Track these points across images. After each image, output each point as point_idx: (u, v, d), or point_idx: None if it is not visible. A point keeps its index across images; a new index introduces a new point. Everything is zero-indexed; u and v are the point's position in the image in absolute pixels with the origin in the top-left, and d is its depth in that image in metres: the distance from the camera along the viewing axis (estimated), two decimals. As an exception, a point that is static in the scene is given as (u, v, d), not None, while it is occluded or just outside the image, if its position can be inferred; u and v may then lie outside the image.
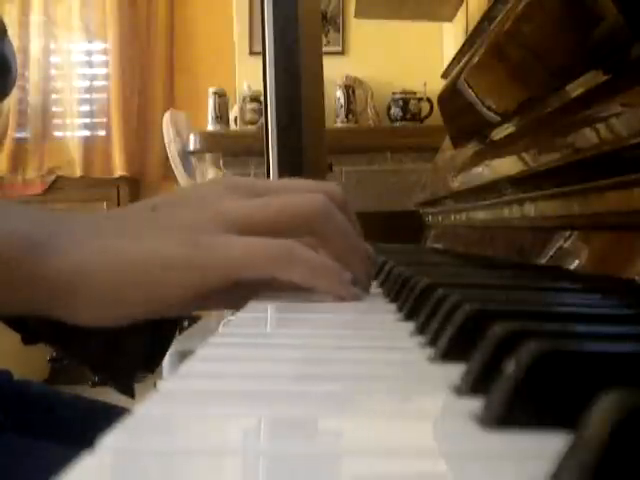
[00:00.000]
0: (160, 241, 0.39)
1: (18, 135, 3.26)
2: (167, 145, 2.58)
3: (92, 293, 0.38)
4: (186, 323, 2.62)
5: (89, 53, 3.33)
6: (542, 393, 0.18)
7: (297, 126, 1.18)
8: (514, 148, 0.65)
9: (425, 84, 2.40)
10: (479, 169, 0.76)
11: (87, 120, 3.30)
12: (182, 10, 3.25)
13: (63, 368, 3.07)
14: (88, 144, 3.28)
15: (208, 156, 2.48)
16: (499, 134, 0.75)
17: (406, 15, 1.93)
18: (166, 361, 1.56)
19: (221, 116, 2.52)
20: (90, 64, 3.33)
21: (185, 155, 2.50)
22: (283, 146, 1.18)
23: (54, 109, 3.29)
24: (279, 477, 0.16)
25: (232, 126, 2.54)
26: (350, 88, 2.48)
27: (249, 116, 2.45)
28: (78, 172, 3.24)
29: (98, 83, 3.31)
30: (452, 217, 0.97)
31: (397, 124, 2.49)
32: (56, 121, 3.30)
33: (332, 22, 2.65)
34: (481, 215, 0.80)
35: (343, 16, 2.66)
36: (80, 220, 0.42)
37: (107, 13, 3.23)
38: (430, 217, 1.14)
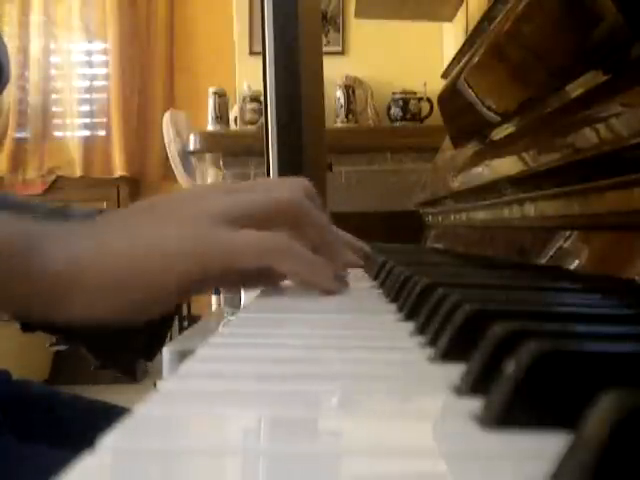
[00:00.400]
0: (158, 231, 0.40)
1: (18, 135, 3.27)
2: (167, 145, 2.58)
3: (90, 285, 0.38)
4: (186, 323, 2.62)
5: (89, 53, 3.33)
6: (542, 393, 0.18)
7: (297, 124, 1.18)
8: (514, 148, 0.65)
9: (425, 84, 2.40)
10: (479, 169, 0.76)
11: (87, 120, 3.30)
12: (182, 10, 3.25)
13: (63, 368, 3.07)
14: (88, 144, 3.28)
15: (208, 156, 2.48)
16: (499, 134, 0.75)
17: (406, 15, 1.93)
18: (166, 361, 1.55)
19: (221, 116, 2.52)
20: (90, 64, 3.33)
21: (185, 155, 2.50)
22: (283, 144, 1.18)
23: (54, 109, 3.29)
24: (279, 477, 0.16)
25: (232, 126, 2.54)
26: (350, 88, 2.48)
27: (249, 116, 2.44)
28: (78, 172, 3.24)
29: (98, 83, 3.31)
30: (452, 217, 0.97)
31: (397, 124, 2.49)
32: (56, 121, 3.30)
33: (332, 22, 2.65)
34: (481, 215, 0.80)
35: (343, 16, 2.66)
36: (76, 222, 0.43)
37: (107, 13, 3.23)
38: (430, 217, 1.14)
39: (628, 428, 0.13)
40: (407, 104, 2.47)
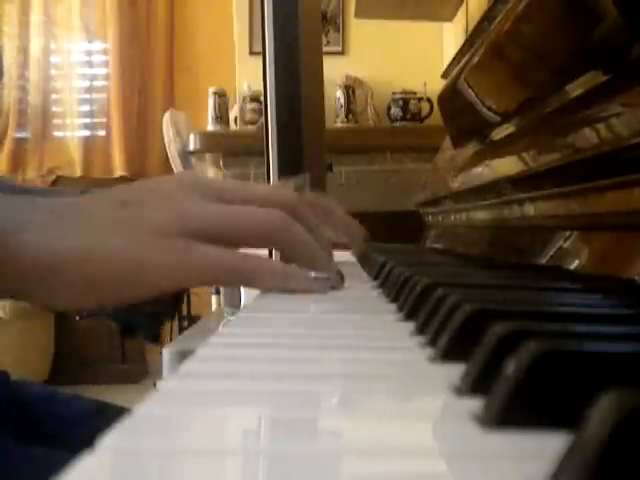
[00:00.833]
0: (129, 242, 0.41)
1: (18, 135, 3.27)
2: (167, 145, 2.58)
3: (65, 286, 0.40)
4: (186, 323, 2.62)
5: (89, 53, 3.33)
6: (542, 393, 0.18)
7: (297, 124, 1.18)
8: (514, 148, 0.65)
9: (425, 84, 2.40)
10: (479, 169, 0.76)
11: (87, 120, 3.30)
12: (182, 10, 3.25)
13: (63, 368, 3.07)
14: (88, 144, 3.28)
15: (208, 156, 2.49)
16: (499, 134, 0.75)
17: (406, 15, 1.93)
18: (166, 361, 1.56)
19: (221, 116, 2.52)
20: (90, 64, 3.33)
21: (185, 155, 2.50)
22: (283, 144, 1.18)
23: (54, 109, 3.29)
24: (279, 477, 0.16)
25: (232, 126, 2.54)
26: (350, 88, 2.48)
27: (249, 116, 2.45)
28: (78, 172, 3.24)
29: (98, 83, 3.31)
30: (452, 217, 0.97)
31: (397, 124, 2.49)
32: (56, 121, 3.30)
33: (332, 22, 2.65)
34: (481, 215, 0.80)
35: (343, 16, 2.66)
36: (54, 209, 0.42)
37: (107, 13, 3.23)
38: (430, 217, 1.14)
39: (628, 428, 0.13)
40: (407, 104, 2.47)
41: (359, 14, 2.04)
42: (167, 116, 2.60)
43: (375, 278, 0.58)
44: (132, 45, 3.25)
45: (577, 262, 0.48)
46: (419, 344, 0.30)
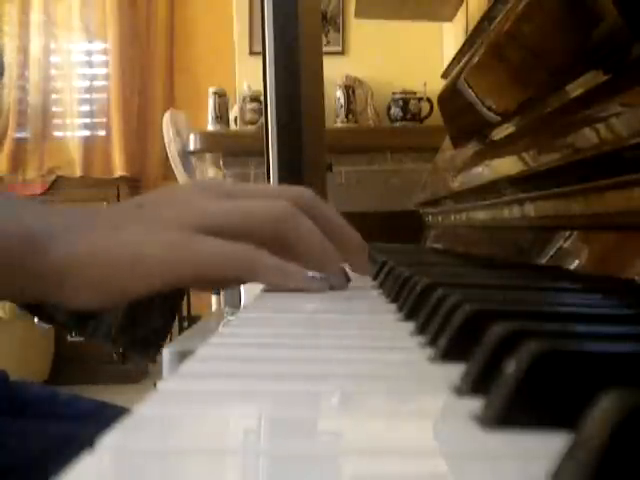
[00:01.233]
0: (144, 238, 0.43)
1: (18, 135, 3.27)
2: (167, 145, 2.58)
3: (81, 283, 0.42)
4: (186, 323, 2.62)
5: (89, 53, 3.33)
6: (542, 393, 0.18)
7: (297, 124, 1.18)
8: (514, 148, 0.65)
9: (425, 84, 2.40)
10: (479, 169, 0.76)
11: (87, 120, 3.30)
12: (182, 10, 3.24)
13: (63, 368, 3.07)
14: (88, 144, 3.28)
15: (208, 156, 2.48)
16: (499, 134, 0.75)
17: (406, 15, 1.93)
18: (166, 361, 1.55)
19: (221, 116, 2.52)
20: (90, 64, 3.33)
21: (185, 155, 2.50)
22: (283, 144, 1.18)
23: (54, 109, 3.29)
24: (279, 477, 0.16)
25: (232, 126, 2.54)
26: (350, 88, 2.48)
27: (249, 116, 2.44)
28: (78, 172, 3.24)
29: (98, 83, 3.31)
30: (452, 217, 0.97)
31: (397, 124, 2.49)
32: (56, 121, 3.30)
33: (332, 22, 2.65)
34: (481, 215, 0.80)
35: (343, 16, 2.66)
36: (76, 216, 0.45)
37: (107, 13, 3.23)
38: (430, 217, 1.14)
39: (628, 428, 0.13)
40: (407, 104, 2.47)
41: (359, 14, 2.04)
42: (167, 116, 2.60)
43: (375, 278, 0.58)
44: (132, 45, 3.25)
45: (577, 262, 0.48)
46: (419, 344, 0.30)
